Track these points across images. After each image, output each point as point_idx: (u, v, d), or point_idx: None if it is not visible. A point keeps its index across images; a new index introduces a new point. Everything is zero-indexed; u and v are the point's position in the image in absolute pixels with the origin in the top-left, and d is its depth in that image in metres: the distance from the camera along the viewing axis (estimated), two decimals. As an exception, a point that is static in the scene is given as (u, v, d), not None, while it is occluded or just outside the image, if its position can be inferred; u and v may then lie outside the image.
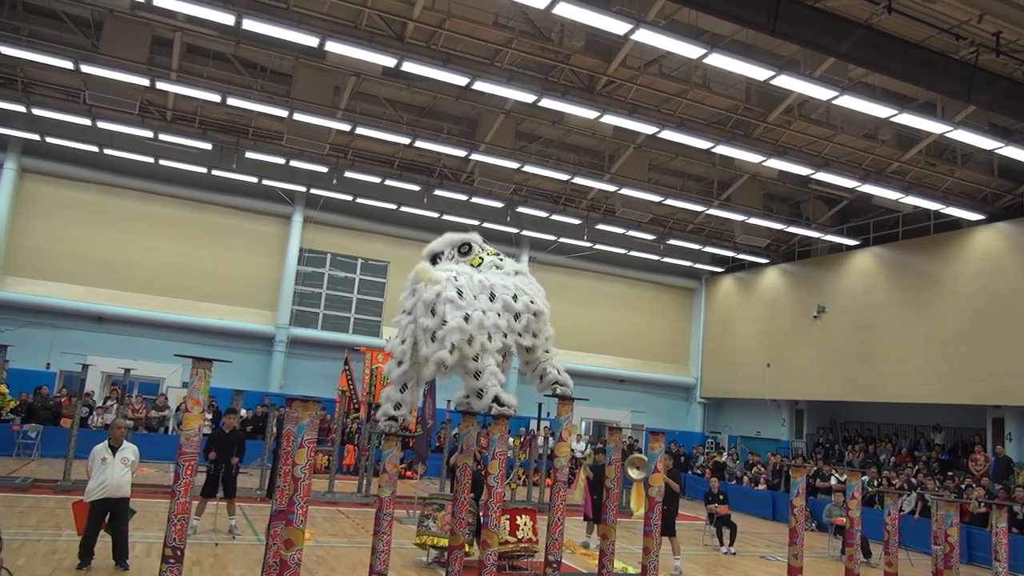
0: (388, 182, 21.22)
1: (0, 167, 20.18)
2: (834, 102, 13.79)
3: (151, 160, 20.51)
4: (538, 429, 18.94)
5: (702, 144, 16.82)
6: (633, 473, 12.00)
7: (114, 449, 8.58)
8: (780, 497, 19.32)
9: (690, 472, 23.07)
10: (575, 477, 15.88)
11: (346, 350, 21.84)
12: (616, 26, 11.80)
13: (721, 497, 14.82)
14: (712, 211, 21.83)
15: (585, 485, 13.49)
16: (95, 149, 19.98)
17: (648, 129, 16.43)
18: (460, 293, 7.69)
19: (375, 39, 14.24)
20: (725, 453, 24.64)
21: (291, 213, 22.83)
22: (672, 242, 25.01)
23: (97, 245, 21.17)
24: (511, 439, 17.91)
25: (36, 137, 19.51)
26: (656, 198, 20.69)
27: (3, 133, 19.45)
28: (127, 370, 15.33)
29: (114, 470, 8.45)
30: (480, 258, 8.48)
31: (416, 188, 21.79)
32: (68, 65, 15.47)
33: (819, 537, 15.98)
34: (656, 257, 26.65)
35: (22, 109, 18.00)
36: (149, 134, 19.05)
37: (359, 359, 21.48)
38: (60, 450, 15.25)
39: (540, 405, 17.63)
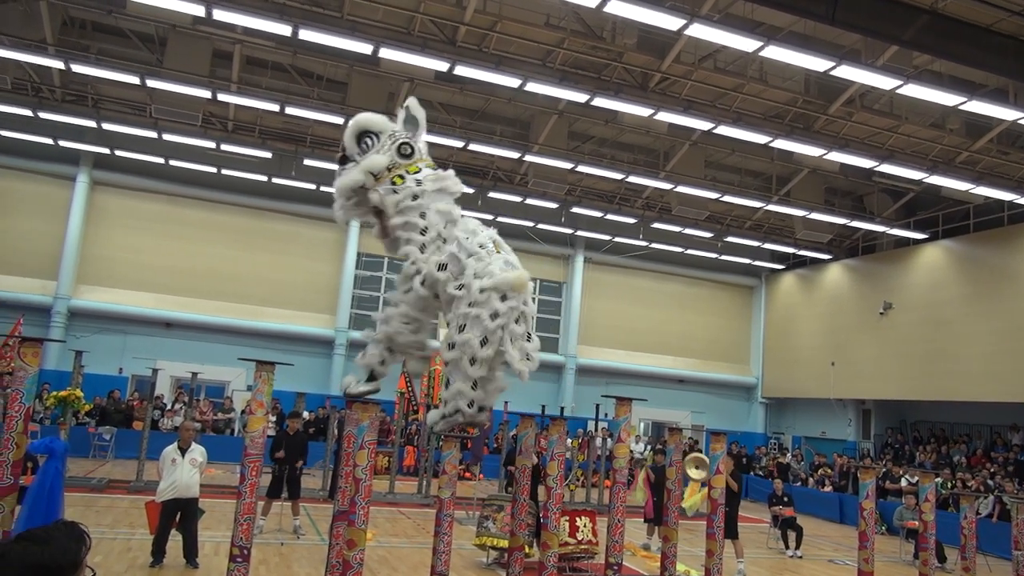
0: (443, 186, 21.35)
1: (73, 180, 21.05)
2: (898, 91, 13.35)
3: (214, 170, 21.11)
4: (596, 430, 18.82)
5: (760, 139, 16.48)
6: (693, 472, 11.82)
7: (183, 451, 8.83)
8: (847, 499, 18.78)
9: (752, 473, 22.61)
10: (634, 478, 15.70)
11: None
12: (669, 22, 11.66)
13: (785, 499, 14.48)
14: (771, 207, 21.38)
15: (646, 486, 13.33)
16: (161, 161, 20.66)
17: (704, 125, 16.18)
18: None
19: (428, 44, 14.37)
20: (789, 454, 24.08)
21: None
22: (730, 239, 24.58)
23: (164, 254, 21.89)
24: (569, 440, 17.82)
25: (106, 151, 20.32)
26: (713, 195, 20.36)
27: (75, 148, 20.29)
28: (194, 374, 15.80)
29: (183, 471, 8.70)
30: (418, 167, 6.78)
31: (470, 191, 21.85)
32: (135, 80, 16.06)
33: (890, 541, 15.46)
34: (714, 255, 26.22)
35: (93, 124, 18.77)
36: (212, 145, 19.62)
37: (417, 361, 21.69)
38: (133, 452, 15.78)
39: (597, 406, 17.50)
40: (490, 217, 23.25)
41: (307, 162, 20.52)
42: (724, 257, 26.33)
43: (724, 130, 16.15)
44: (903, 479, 17.72)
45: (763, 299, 28.43)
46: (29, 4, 15.55)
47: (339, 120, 17.08)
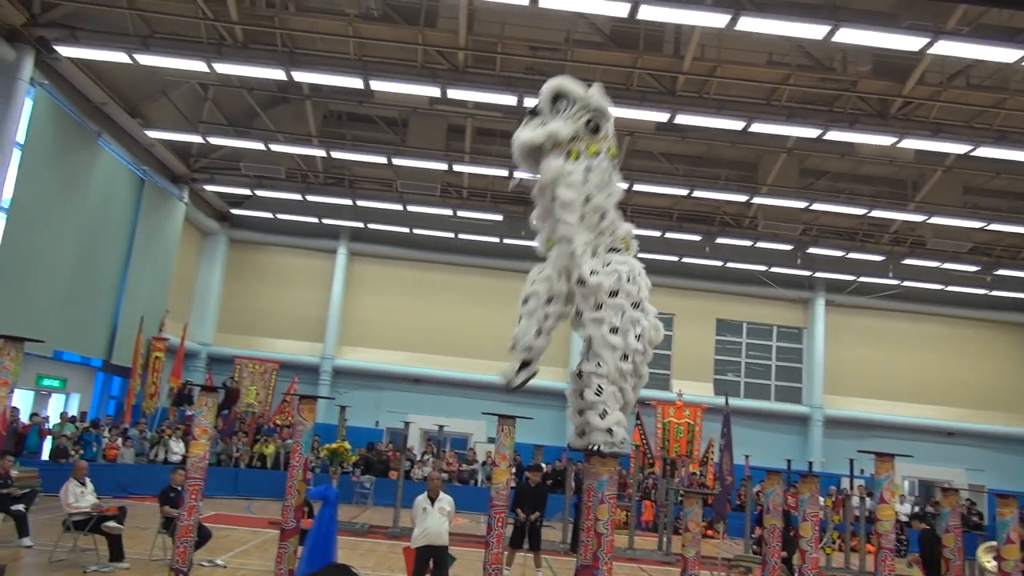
0: (668, 235, 21.18)
1: (334, 253, 23.76)
2: None
3: (452, 235, 22.75)
4: (851, 488, 17.22)
5: (1031, 157, 14.56)
6: (989, 564, 10.33)
7: (432, 500, 9.35)
8: None
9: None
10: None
11: (636, 405, 21.92)
12: (908, 43, 10.84)
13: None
14: (1052, 232, 18.65)
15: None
16: (406, 230, 22.72)
17: (959, 148, 14.67)
18: None
19: (647, 97, 14.51)
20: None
21: (577, 273, 23.75)
22: (1002, 272, 21.68)
23: (412, 315, 23.81)
24: (822, 499, 16.46)
25: (360, 224, 22.79)
26: (976, 224, 18.21)
27: (336, 224, 22.98)
28: (440, 427, 16.79)
29: (433, 519, 9.18)
30: (598, 148, 6.71)
31: (697, 238, 21.49)
32: (382, 160, 17.94)
33: None
34: (982, 291, 23.24)
35: (349, 202, 21.18)
36: (449, 212, 21.20)
37: (650, 413, 21.41)
38: (390, 499, 17.00)
39: (852, 461, 16.02)
40: (719, 264, 22.68)
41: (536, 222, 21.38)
42: (996, 293, 23.24)
43: (985, 151, 14.50)
44: None
45: (1050, 338, 24.60)
46: (298, 104, 18.03)
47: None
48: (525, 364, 6.70)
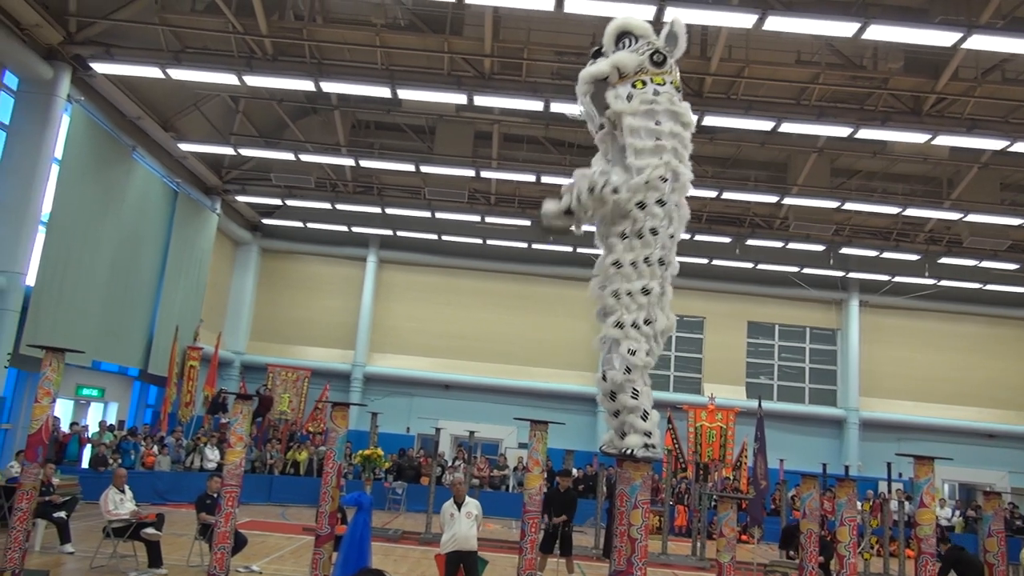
0: (698, 237, 21.04)
1: (364, 261, 23.95)
2: None
3: (480, 241, 22.81)
4: (889, 492, 16.92)
5: (1071, 151, 14.23)
6: None
7: (459, 505, 9.35)
8: None
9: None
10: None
11: (668, 409, 21.76)
12: (941, 38, 10.66)
13: None
14: (1094, 228, 18.20)
15: None
16: (434, 237, 22.83)
17: (995, 144, 14.39)
18: None
19: (674, 99, 14.43)
20: None
21: (605, 277, 23.66)
22: (1041, 270, 21.23)
23: (441, 321, 23.91)
24: (859, 503, 16.20)
25: (389, 232, 22.95)
26: (1014, 221, 17.83)
27: (365, 232, 23.16)
28: (471, 432, 16.81)
29: (461, 525, 9.18)
30: (664, 79, 6.61)
31: (727, 240, 21.32)
32: (410, 168, 18.06)
33: None
34: (1022, 289, 22.75)
35: (378, 210, 21.34)
36: (477, 218, 21.26)
37: (682, 417, 21.27)
38: (422, 505, 17.06)
39: (889, 465, 15.76)
40: (749, 266, 22.44)
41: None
42: (1035, 291, 22.75)
43: (1022, 147, 14.17)
44: None
45: (1093, 337, 23.95)
46: (327, 114, 18.25)
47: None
48: (570, 212, 6.68)
